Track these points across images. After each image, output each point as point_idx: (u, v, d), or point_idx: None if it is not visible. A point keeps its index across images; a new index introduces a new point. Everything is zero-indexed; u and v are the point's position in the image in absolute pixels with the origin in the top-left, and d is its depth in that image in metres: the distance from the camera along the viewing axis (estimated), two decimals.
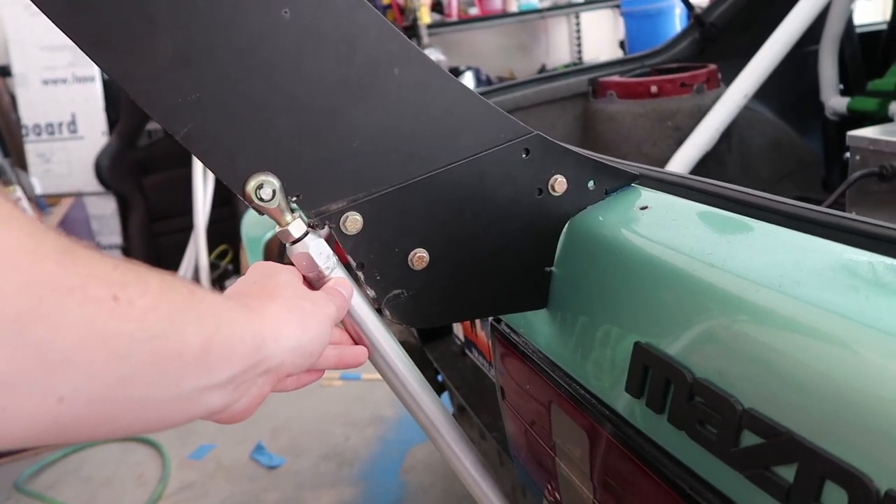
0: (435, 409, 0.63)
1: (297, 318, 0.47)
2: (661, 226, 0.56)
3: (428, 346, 1.28)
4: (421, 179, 0.56)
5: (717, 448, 0.43)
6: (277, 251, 3.09)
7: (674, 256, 0.51)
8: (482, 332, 1.08)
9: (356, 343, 0.57)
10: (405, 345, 1.49)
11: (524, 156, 0.59)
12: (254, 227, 2.86)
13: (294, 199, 0.52)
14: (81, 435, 0.34)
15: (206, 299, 0.40)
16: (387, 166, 0.55)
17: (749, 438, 0.41)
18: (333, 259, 0.54)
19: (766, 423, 0.40)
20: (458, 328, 1.17)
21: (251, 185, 0.50)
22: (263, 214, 0.52)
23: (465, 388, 1.13)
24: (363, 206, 0.54)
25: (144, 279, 0.35)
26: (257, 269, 0.52)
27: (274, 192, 0.51)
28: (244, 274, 0.54)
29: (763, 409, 0.40)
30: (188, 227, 3.18)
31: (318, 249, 0.53)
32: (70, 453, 2.37)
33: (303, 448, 2.21)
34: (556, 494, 0.70)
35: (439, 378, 1.55)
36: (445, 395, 1.56)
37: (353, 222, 0.54)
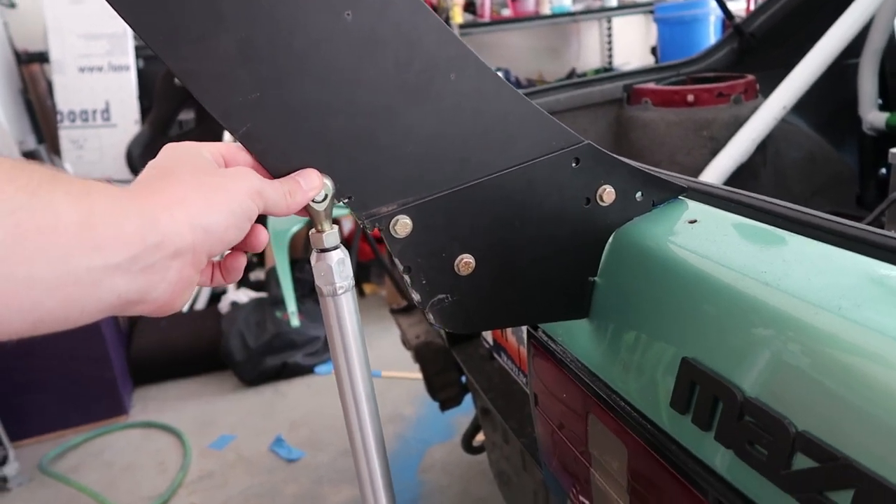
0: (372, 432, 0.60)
1: (197, 194, 0.43)
2: (711, 240, 0.56)
3: (455, 348, 1.28)
4: (472, 185, 0.56)
5: (767, 469, 0.43)
6: (302, 245, 3.11)
7: (725, 273, 0.50)
8: (512, 337, 1.08)
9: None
10: (432, 345, 1.50)
11: (574, 165, 0.59)
12: (280, 221, 2.88)
13: (346, 200, 0.53)
14: None
15: (75, 181, 0.38)
16: (438, 171, 0.55)
17: (802, 461, 0.40)
18: (351, 280, 0.54)
19: (821, 447, 0.39)
20: (486, 332, 1.17)
21: None
22: (309, 215, 0.52)
23: (493, 392, 1.13)
24: (413, 210, 0.55)
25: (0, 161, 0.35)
26: (163, 153, 0.48)
27: (327, 195, 0.51)
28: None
29: (818, 432, 0.40)
30: None
31: (341, 266, 0.53)
32: (92, 438, 2.41)
33: (322, 442, 2.22)
34: (582, 498, 0.70)
35: (463, 379, 1.55)
36: (468, 396, 1.56)
37: (402, 226, 0.54)
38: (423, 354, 1.45)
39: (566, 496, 0.76)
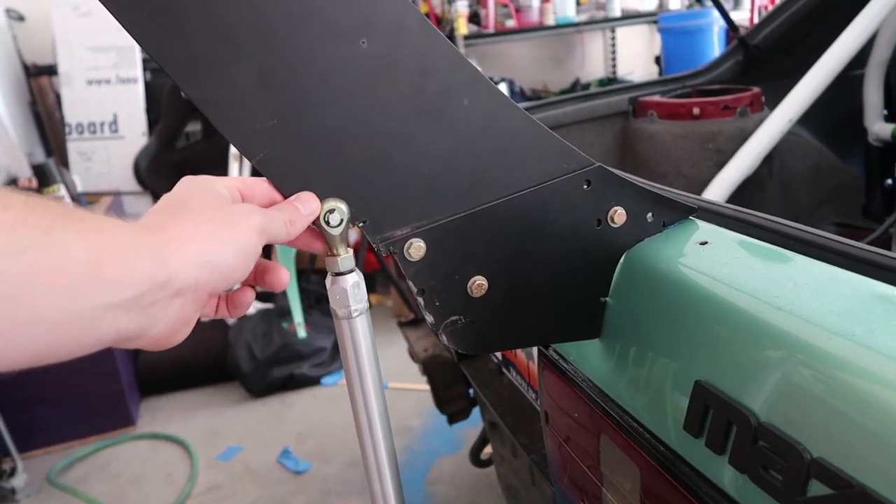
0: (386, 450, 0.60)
1: (207, 230, 0.42)
2: (723, 263, 0.56)
3: (464, 362, 1.29)
4: (484, 208, 0.56)
5: (782, 495, 0.43)
6: (308, 257, 3.12)
7: (737, 296, 0.51)
8: (521, 353, 1.08)
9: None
10: (440, 358, 1.50)
11: (585, 187, 0.59)
12: None
13: (361, 224, 0.53)
14: None
15: (87, 217, 0.37)
16: (452, 194, 0.55)
17: (817, 488, 0.41)
18: (365, 304, 0.54)
19: (836, 474, 0.39)
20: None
21: (323, 210, 0.51)
22: (324, 238, 0.52)
23: (502, 407, 1.13)
24: (427, 234, 0.55)
25: (8, 196, 0.34)
26: (179, 185, 0.47)
27: (342, 220, 0.52)
28: None
29: (833, 459, 0.40)
30: None
31: (356, 289, 0.53)
32: (100, 449, 2.41)
33: (329, 454, 2.22)
34: None
35: (471, 392, 1.55)
36: (476, 410, 1.56)
37: (416, 249, 0.55)
38: (431, 368, 1.46)
39: None
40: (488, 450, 1.63)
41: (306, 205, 0.50)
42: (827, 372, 0.42)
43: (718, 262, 0.56)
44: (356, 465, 2.16)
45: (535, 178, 0.58)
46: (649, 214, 0.63)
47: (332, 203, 0.51)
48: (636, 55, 5.05)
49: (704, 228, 0.63)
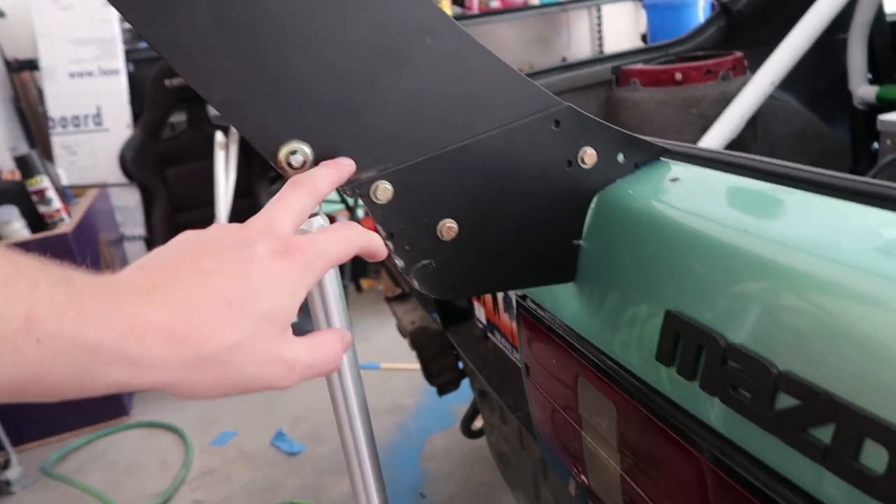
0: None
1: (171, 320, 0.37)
2: (692, 196, 0.56)
3: (450, 330, 1.28)
4: (452, 149, 0.56)
5: (751, 412, 0.43)
6: None
7: (706, 225, 0.51)
8: (505, 315, 1.08)
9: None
10: (427, 330, 1.50)
11: (554, 127, 0.59)
12: None
13: None
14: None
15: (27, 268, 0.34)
16: (418, 136, 0.55)
17: (785, 401, 0.41)
18: None
19: (802, 385, 0.39)
20: (480, 311, 1.17)
21: (283, 152, 0.50)
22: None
23: (487, 371, 1.13)
24: (394, 176, 0.54)
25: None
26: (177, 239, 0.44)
27: (305, 160, 0.51)
28: None
29: (799, 371, 0.40)
30: (210, 219, 3.21)
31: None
32: (95, 439, 2.41)
33: (323, 435, 2.22)
34: (584, 477, 0.70)
35: (460, 365, 1.55)
36: (466, 380, 1.57)
37: (383, 191, 0.54)
38: (419, 340, 1.45)
39: (562, 468, 0.76)
40: (479, 422, 1.64)
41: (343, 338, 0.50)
42: (790, 287, 0.42)
43: (688, 196, 0.56)
44: None
45: (502, 119, 0.57)
46: (620, 155, 0.62)
47: (293, 144, 0.51)
48: (623, 33, 5.03)
49: (676, 168, 0.63)
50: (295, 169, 0.51)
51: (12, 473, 2.19)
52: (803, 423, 0.39)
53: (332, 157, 0.53)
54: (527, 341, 0.76)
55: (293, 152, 0.51)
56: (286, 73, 0.50)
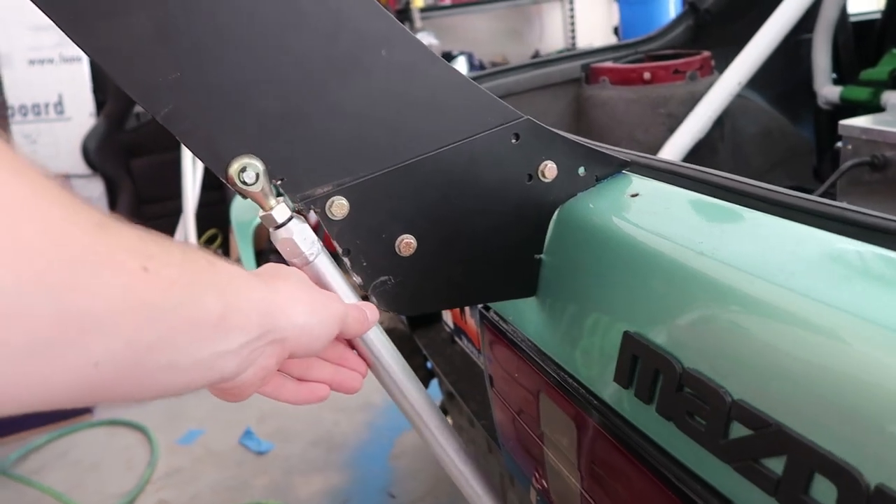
0: (442, 429, 0.64)
1: (306, 298, 0.48)
2: (652, 213, 0.55)
3: (417, 332, 1.27)
4: (408, 164, 0.54)
5: (705, 439, 0.42)
6: (267, 236, 3.07)
7: (663, 245, 0.50)
8: (471, 320, 1.07)
9: (351, 366, 0.57)
10: (394, 332, 1.49)
11: (514, 141, 0.58)
12: (243, 212, 2.83)
13: (278, 182, 0.51)
14: (111, 397, 0.36)
15: (222, 269, 0.41)
16: (374, 150, 0.53)
17: (738, 430, 0.40)
18: (318, 245, 0.53)
19: (754, 415, 0.39)
20: (447, 315, 1.17)
21: (234, 168, 0.49)
22: (247, 198, 0.51)
23: (454, 375, 1.13)
24: (349, 191, 0.53)
25: (168, 251, 0.37)
26: (277, 265, 0.53)
27: (257, 175, 0.49)
28: (232, 256, 0.53)
29: (752, 400, 0.40)
30: (177, 211, 3.15)
31: (302, 235, 0.52)
32: (56, 438, 2.36)
33: (292, 433, 2.20)
34: (544, 482, 0.70)
35: (429, 365, 1.54)
36: (434, 382, 1.56)
37: (338, 207, 0.53)
38: None
39: (525, 478, 0.76)
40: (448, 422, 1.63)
41: (371, 312, 0.54)
42: (746, 315, 0.42)
43: (647, 212, 0.56)
44: (319, 443, 2.15)
45: (460, 133, 0.56)
46: (581, 169, 0.61)
47: (243, 160, 0.49)
48: (595, 26, 5.05)
49: (637, 182, 0.62)
50: (248, 185, 0.49)
51: None
52: (755, 453, 0.39)
53: (284, 173, 0.51)
54: (490, 352, 0.75)
55: (243, 169, 0.49)
56: (233, 84, 0.48)
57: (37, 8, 0.42)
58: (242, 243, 2.58)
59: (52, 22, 0.43)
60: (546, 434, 0.64)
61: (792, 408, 0.37)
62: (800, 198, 0.50)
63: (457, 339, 1.17)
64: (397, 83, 0.53)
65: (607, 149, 0.64)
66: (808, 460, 0.36)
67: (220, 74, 0.47)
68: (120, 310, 0.33)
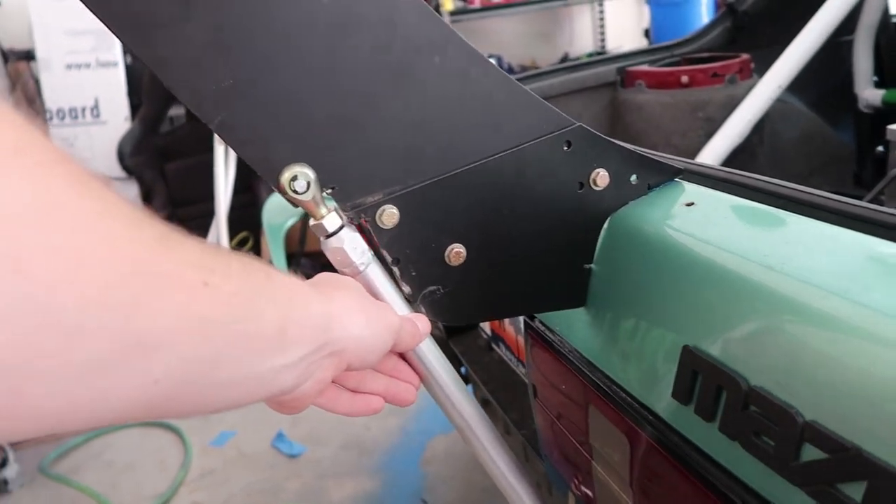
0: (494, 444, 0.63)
1: (362, 309, 0.47)
2: (710, 223, 0.54)
3: (454, 339, 1.26)
4: (460, 172, 0.54)
5: (773, 461, 0.41)
6: (298, 239, 3.09)
7: (726, 257, 0.49)
8: (510, 327, 1.06)
9: (405, 379, 0.56)
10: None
11: (566, 148, 0.57)
12: (275, 215, 2.85)
13: (329, 191, 0.51)
14: (170, 413, 0.35)
15: (280, 282, 0.41)
16: (425, 158, 0.53)
17: (811, 452, 0.39)
18: (369, 255, 0.52)
19: (830, 438, 0.37)
20: (485, 322, 1.15)
21: (285, 177, 0.48)
22: (298, 206, 0.50)
23: (492, 384, 1.11)
24: (400, 200, 0.52)
25: (228, 264, 0.37)
26: (332, 274, 0.53)
27: (308, 184, 0.49)
28: (263, 259, 0.53)
29: (827, 422, 0.38)
30: (209, 214, 3.18)
31: (353, 244, 0.51)
32: (92, 438, 2.39)
33: (323, 437, 2.21)
34: (587, 491, 0.68)
35: (463, 370, 1.53)
36: (469, 387, 1.55)
37: (389, 216, 0.52)
38: None
39: (568, 488, 0.74)
40: None
41: (423, 324, 0.54)
42: (820, 332, 0.40)
43: (705, 223, 0.54)
44: (350, 447, 2.15)
45: (512, 140, 0.55)
46: (633, 176, 0.60)
47: (294, 169, 0.48)
48: (625, 28, 4.99)
49: (691, 190, 0.61)
50: (299, 194, 0.49)
51: (10, 472, 2.17)
52: (831, 478, 0.37)
53: (335, 181, 0.50)
54: (534, 362, 0.74)
55: (294, 178, 0.48)
56: (286, 95, 0.48)
57: (96, 18, 0.42)
58: (274, 246, 2.59)
59: (98, 29, 0.43)
60: (595, 448, 0.63)
61: (872, 431, 0.36)
62: (870, 209, 0.49)
63: (494, 346, 1.16)
64: (450, 90, 0.52)
65: (660, 156, 0.63)
66: (891, 487, 0.34)
67: (274, 83, 0.47)
68: (181, 326, 0.32)
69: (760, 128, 1.60)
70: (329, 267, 0.54)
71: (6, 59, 3.48)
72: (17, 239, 0.26)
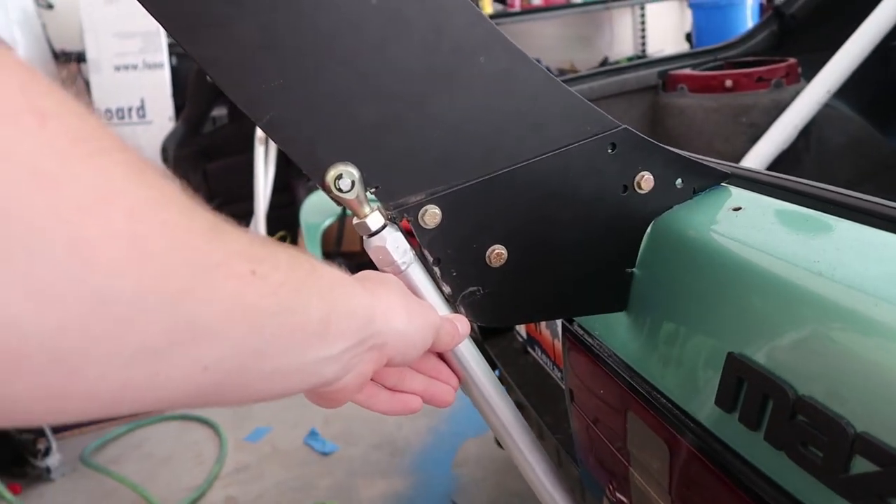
0: (532, 448, 0.62)
1: (404, 305, 0.48)
2: (757, 228, 0.53)
3: (489, 341, 1.26)
4: (503, 173, 0.54)
5: (822, 473, 0.40)
6: (335, 239, 3.12)
7: (773, 263, 0.48)
8: (546, 331, 1.05)
9: (444, 379, 0.56)
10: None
11: (610, 151, 0.56)
12: (313, 214, 2.89)
13: (372, 190, 0.51)
14: (215, 400, 0.36)
15: (325, 274, 0.41)
16: (469, 159, 0.53)
17: (862, 465, 0.38)
18: (411, 254, 0.53)
19: (883, 450, 0.36)
20: (520, 325, 1.15)
21: (331, 176, 0.49)
22: (342, 205, 0.51)
23: (527, 387, 1.11)
24: (443, 200, 0.53)
25: (275, 255, 0.37)
26: (367, 272, 0.53)
27: (353, 182, 0.49)
28: None
29: (879, 433, 0.37)
30: (249, 213, 3.23)
31: (395, 243, 0.52)
32: (133, 429, 2.45)
33: (355, 436, 2.22)
34: (622, 498, 0.67)
35: (497, 373, 1.53)
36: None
37: (431, 216, 0.53)
38: None
39: (603, 493, 0.74)
40: None
41: (463, 325, 0.54)
42: (871, 340, 0.39)
43: (753, 228, 0.53)
44: (382, 446, 2.16)
45: (556, 142, 0.55)
46: (678, 180, 0.59)
47: (339, 168, 0.49)
48: (666, 32, 4.94)
49: (737, 195, 0.60)
50: (343, 192, 0.49)
51: (52, 461, 2.23)
52: (883, 492, 0.36)
53: (379, 180, 0.51)
54: (572, 367, 0.73)
55: (339, 176, 0.49)
56: (334, 94, 0.48)
57: (152, 17, 0.43)
58: (311, 245, 2.63)
59: (146, 32, 0.44)
60: (634, 455, 0.62)
61: None
62: None
63: (530, 349, 1.15)
64: (495, 91, 0.52)
65: (706, 160, 0.62)
66: None
67: (322, 83, 0.48)
68: (230, 315, 0.33)
69: (807, 133, 1.57)
70: (363, 267, 0.54)
71: (57, 60, 3.59)
72: (79, 224, 0.26)
